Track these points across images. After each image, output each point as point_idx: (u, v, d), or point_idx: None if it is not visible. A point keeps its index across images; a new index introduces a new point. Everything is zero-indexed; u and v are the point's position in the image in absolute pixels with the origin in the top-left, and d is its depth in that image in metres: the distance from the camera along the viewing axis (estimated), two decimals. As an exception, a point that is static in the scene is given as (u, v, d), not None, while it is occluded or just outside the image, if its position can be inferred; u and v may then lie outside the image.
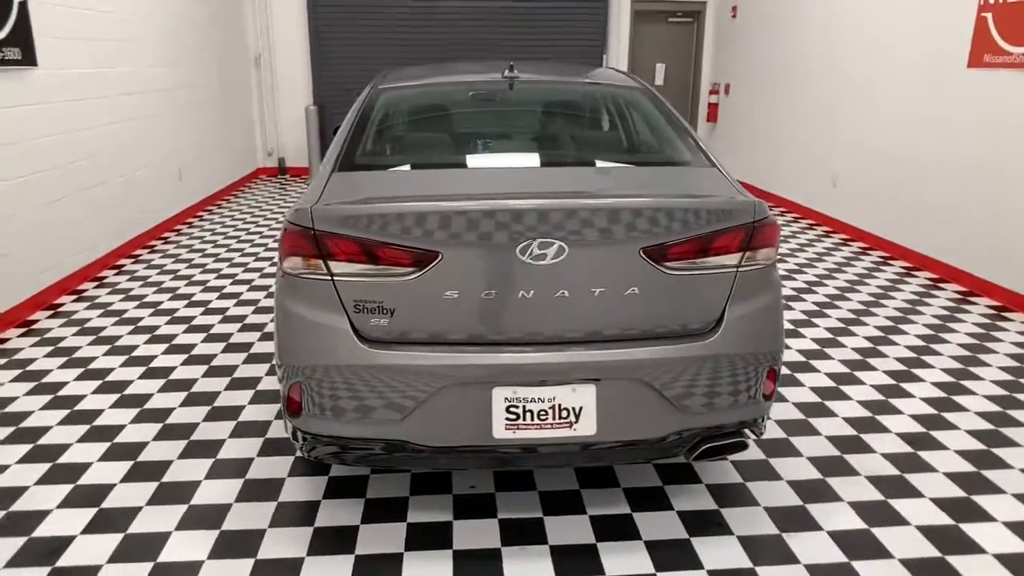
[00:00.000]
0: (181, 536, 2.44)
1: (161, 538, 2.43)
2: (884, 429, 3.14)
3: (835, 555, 2.35)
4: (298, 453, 2.37)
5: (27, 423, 3.16)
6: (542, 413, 2.20)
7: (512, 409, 2.19)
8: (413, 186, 2.50)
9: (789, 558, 2.34)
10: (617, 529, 2.48)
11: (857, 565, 2.31)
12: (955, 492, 2.69)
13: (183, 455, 2.93)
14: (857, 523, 2.51)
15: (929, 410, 3.31)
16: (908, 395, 3.45)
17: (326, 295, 2.18)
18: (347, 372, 2.16)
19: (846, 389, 3.51)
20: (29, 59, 4.35)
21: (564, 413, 2.20)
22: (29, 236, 4.38)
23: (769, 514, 2.56)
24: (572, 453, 2.28)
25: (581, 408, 2.21)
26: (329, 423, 2.24)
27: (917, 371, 3.70)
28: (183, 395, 3.42)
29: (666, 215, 2.19)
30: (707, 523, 2.52)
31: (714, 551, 2.37)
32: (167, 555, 2.35)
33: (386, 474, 2.78)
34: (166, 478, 2.78)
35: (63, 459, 2.89)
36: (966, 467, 2.85)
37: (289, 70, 9.25)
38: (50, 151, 4.60)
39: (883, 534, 2.46)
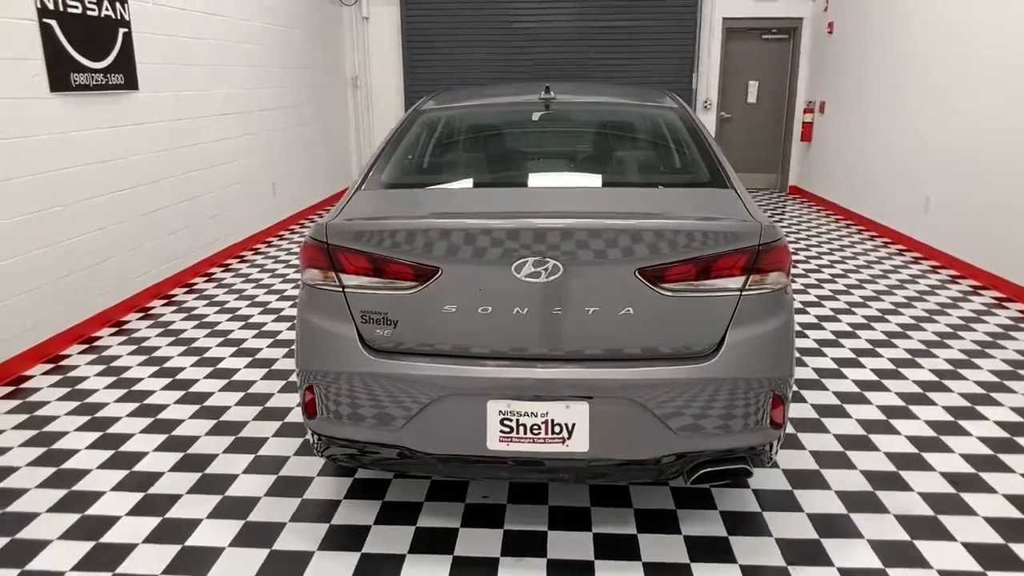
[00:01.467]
0: (210, 524, 2.64)
1: (192, 524, 2.64)
2: (928, 467, 2.97)
3: (841, 593, 2.26)
4: (315, 454, 2.51)
5: (102, 413, 3.50)
6: (535, 428, 2.24)
7: (506, 422, 2.25)
8: (423, 204, 2.60)
9: (791, 592, 2.27)
10: (619, 548, 2.48)
11: (863, 606, 2.21)
12: (992, 538, 2.51)
13: (228, 450, 3.16)
14: (873, 562, 2.40)
15: (984, 450, 3.09)
16: (965, 432, 3.24)
17: (338, 305, 2.33)
18: (353, 378, 2.29)
19: (897, 423, 3.33)
20: (131, 83, 4.83)
21: (557, 429, 2.24)
22: (127, 244, 4.84)
23: (779, 545, 2.49)
24: (566, 469, 2.30)
25: (574, 425, 2.24)
26: (338, 426, 2.37)
27: (981, 408, 3.46)
28: (240, 395, 3.68)
29: (664, 237, 2.20)
30: (712, 549, 2.47)
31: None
32: (194, 540, 2.55)
33: (405, 479, 2.89)
34: (209, 470, 3.01)
35: (125, 447, 3.19)
36: (1012, 513, 2.65)
37: (383, 91, 9.69)
38: (149, 166, 5.07)
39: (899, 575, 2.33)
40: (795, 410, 3.45)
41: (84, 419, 3.44)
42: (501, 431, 2.25)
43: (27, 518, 2.67)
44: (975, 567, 2.37)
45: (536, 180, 2.87)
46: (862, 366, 3.97)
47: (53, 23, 4.11)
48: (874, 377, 3.83)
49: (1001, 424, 3.31)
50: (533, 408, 2.23)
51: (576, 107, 3.43)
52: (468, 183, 2.92)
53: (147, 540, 2.55)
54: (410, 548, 2.50)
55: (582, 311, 2.21)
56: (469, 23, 9.45)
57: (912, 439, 3.19)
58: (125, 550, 2.50)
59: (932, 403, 3.52)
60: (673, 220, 2.26)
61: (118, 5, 4.67)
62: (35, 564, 2.43)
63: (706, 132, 3.00)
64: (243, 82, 6.53)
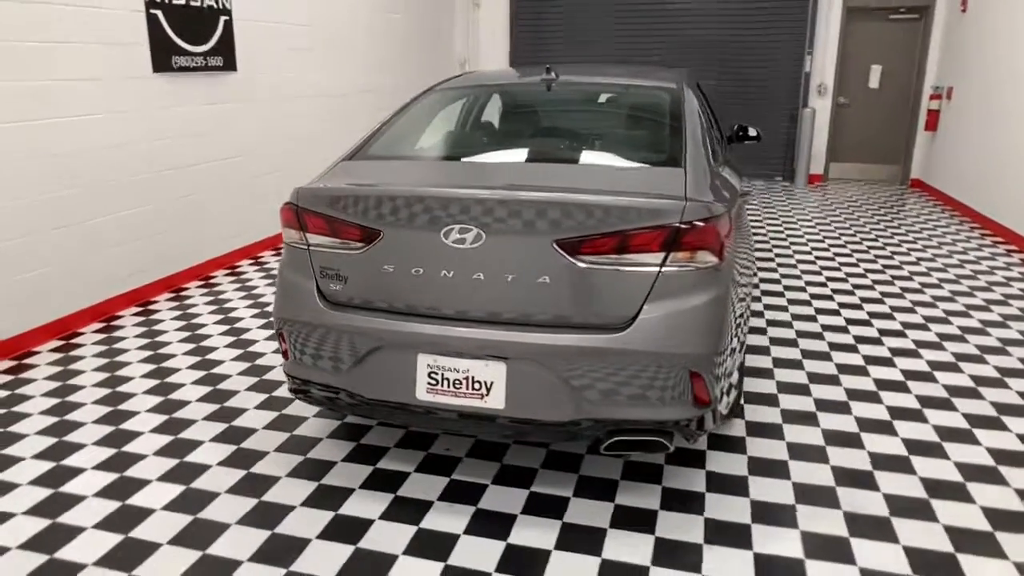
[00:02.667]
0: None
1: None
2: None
3: (743, 572, 2.28)
4: (290, 392, 2.84)
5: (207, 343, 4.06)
6: (457, 382, 2.44)
7: (433, 375, 2.46)
8: (380, 174, 2.80)
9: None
10: (547, 506, 2.62)
11: None
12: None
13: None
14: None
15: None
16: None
17: (303, 262, 2.64)
18: (312, 327, 2.60)
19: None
20: (229, 65, 5.43)
21: (477, 385, 2.43)
22: (222, 207, 5.48)
23: (706, 524, 2.53)
24: (484, 423, 2.48)
25: (492, 383, 2.41)
26: (303, 368, 2.69)
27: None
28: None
29: (581, 211, 2.31)
30: (637, 520, 2.54)
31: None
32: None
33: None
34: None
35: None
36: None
37: (491, 74, 10.01)
38: (246, 139, 5.68)
39: None
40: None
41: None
42: (428, 383, 2.47)
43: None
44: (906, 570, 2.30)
45: (496, 156, 3.03)
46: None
47: (159, 13, 4.73)
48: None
49: None
50: (456, 364, 2.43)
51: (572, 88, 3.52)
52: (434, 157, 3.09)
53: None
54: (362, 484, 2.78)
55: (502, 277, 2.38)
56: (576, 7, 9.53)
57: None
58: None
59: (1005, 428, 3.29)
60: (590, 195, 2.35)
61: (220, -5, 5.27)
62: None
63: (689, 114, 3.00)
64: (342, 65, 7.05)
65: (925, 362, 3.82)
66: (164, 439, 3.12)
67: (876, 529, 2.49)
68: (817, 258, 5.83)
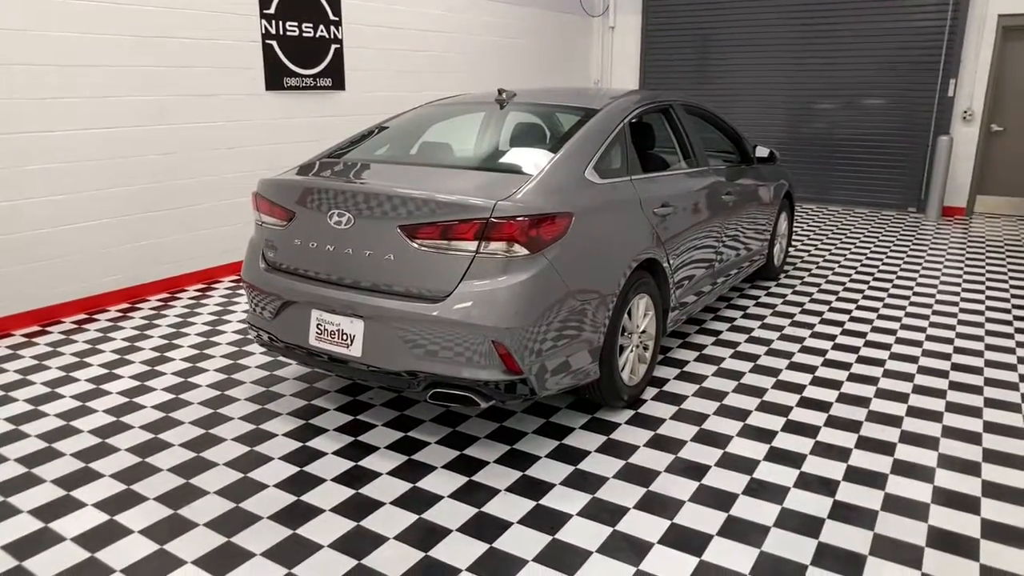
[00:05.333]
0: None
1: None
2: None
3: (513, 514, 2.71)
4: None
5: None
6: (333, 333, 3.12)
7: (319, 326, 3.17)
8: (316, 171, 3.50)
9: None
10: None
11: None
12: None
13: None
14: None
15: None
16: None
17: (259, 234, 3.48)
18: (255, 285, 3.42)
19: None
20: (338, 85, 6.55)
21: (344, 336, 3.09)
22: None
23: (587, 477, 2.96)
24: (350, 366, 3.12)
25: (354, 335, 3.06)
26: (254, 317, 3.53)
27: None
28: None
29: (417, 203, 2.89)
30: (514, 459, 3.05)
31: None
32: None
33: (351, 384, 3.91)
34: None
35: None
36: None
37: (624, 95, 10.46)
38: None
39: None
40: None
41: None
42: (316, 332, 3.18)
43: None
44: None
45: (392, 159, 3.64)
46: None
47: (273, 43, 5.95)
48: None
49: None
50: (333, 319, 3.12)
51: (512, 109, 4.03)
52: (356, 159, 3.72)
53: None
54: (291, 411, 3.56)
55: (363, 252, 3.03)
56: (702, 37, 9.69)
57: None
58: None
59: None
60: (423, 192, 2.92)
61: (332, 28, 6.41)
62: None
63: (584, 133, 3.42)
64: (456, 87, 7.98)
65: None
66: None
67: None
68: (913, 304, 5.61)
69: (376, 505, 2.78)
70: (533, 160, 3.30)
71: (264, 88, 5.96)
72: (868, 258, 6.61)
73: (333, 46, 6.46)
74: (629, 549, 2.53)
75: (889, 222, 8.31)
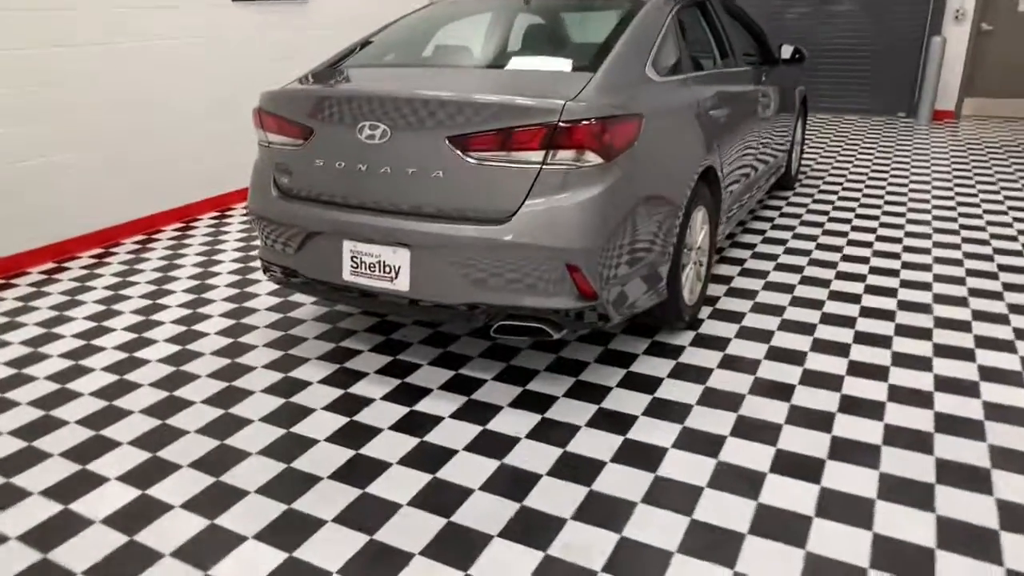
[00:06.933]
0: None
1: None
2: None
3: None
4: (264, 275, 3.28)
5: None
6: (372, 266, 2.74)
7: (354, 259, 2.78)
8: (329, 78, 3.04)
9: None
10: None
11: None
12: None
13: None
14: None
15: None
16: None
17: (267, 158, 3.02)
18: (268, 215, 2.99)
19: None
20: (307, -2, 5.93)
21: (387, 269, 2.71)
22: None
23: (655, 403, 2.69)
24: (396, 303, 2.76)
25: (400, 267, 2.69)
26: (268, 252, 3.10)
27: None
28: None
29: (470, 109, 2.48)
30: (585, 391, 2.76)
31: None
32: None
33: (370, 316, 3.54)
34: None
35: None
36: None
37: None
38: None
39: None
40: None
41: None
42: (351, 266, 2.79)
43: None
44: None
45: (426, 62, 3.21)
46: None
47: (236, -52, 5.27)
48: None
49: None
50: (370, 250, 2.73)
51: (546, 5, 3.60)
52: (392, 63, 3.25)
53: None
54: (320, 356, 3.19)
55: (404, 171, 2.62)
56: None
57: None
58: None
59: None
60: (476, 95, 2.51)
61: (297, -69, 5.72)
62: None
63: (636, 24, 3.02)
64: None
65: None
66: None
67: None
68: (910, 209, 5.40)
69: (448, 454, 2.47)
70: (585, 56, 2.90)
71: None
72: (875, 165, 6.41)
73: (300, -48, 5.79)
74: (741, 480, 2.29)
75: (883, 128, 8.12)
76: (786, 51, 4.80)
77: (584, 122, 2.43)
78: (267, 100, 2.95)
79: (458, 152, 2.53)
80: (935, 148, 7.01)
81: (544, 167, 2.46)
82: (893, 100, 8.74)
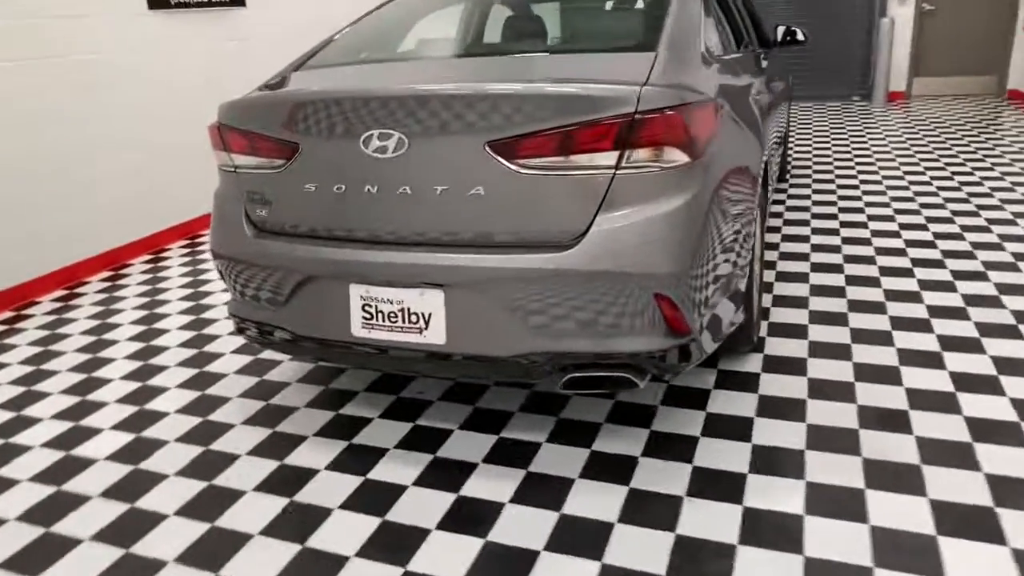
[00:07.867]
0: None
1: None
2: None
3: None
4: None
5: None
6: (392, 315, 2.13)
7: (367, 308, 2.15)
8: (304, 81, 2.40)
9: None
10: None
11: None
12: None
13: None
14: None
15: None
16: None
17: (233, 186, 2.36)
18: (240, 258, 2.32)
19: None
20: (237, 1, 5.19)
21: (414, 318, 2.11)
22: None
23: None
24: (425, 361, 2.16)
25: (430, 314, 2.09)
26: (243, 306, 2.44)
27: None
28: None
29: (516, 103, 1.91)
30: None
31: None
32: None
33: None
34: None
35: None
36: None
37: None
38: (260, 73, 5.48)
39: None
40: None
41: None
42: (363, 317, 2.17)
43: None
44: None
45: (439, 54, 2.63)
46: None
47: (148, -53, 4.52)
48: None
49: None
50: (389, 295, 2.11)
51: None
52: (386, 59, 2.66)
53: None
54: (316, 432, 2.54)
55: (430, 190, 2.02)
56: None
57: None
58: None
59: None
60: (523, 84, 1.94)
61: (217, -73, 5.00)
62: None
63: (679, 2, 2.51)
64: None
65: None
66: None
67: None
68: (887, 188, 5.09)
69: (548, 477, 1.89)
70: (632, 33, 2.37)
71: (148, 6, 4.55)
72: (856, 149, 6.15)
73: (223, -47, 5.06)
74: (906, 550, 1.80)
75: (844, 112, 7.93)
76: (780, 33, 4.40)
77: (668, 111, 1.89)
78: (230, 113, 2.29)
79: (503, 160, 1.95)
80: (903, 129, 6.83)
81: (619, 172, 1.91)
82: (847, 84, 8.62)
